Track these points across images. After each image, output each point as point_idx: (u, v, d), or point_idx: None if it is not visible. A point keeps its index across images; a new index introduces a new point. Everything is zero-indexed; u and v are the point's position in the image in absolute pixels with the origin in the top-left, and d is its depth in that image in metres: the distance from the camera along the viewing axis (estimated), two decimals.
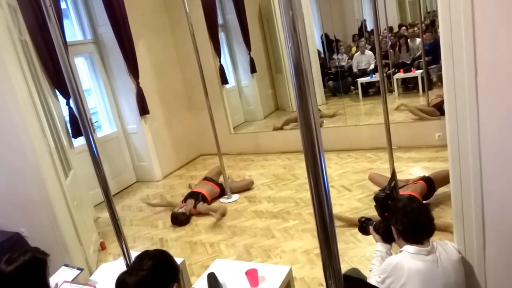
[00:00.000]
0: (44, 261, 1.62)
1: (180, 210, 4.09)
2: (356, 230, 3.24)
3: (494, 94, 1.65)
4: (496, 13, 1.56)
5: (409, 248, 1.80)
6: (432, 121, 4.95)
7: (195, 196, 4.27)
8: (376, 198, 2.23)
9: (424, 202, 3.53)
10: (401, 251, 1.84)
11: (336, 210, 3.66)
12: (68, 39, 4.75)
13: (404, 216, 1.82)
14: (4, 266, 1.49)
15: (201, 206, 4.19)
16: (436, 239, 1.88)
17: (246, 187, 4.67)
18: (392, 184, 2.19)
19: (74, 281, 2.20)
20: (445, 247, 1.84)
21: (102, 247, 3.86)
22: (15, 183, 3.12)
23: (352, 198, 3.92)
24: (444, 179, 3.34)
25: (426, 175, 3.60)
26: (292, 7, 0.71)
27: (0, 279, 1.49)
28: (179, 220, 4.05)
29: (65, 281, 2.17)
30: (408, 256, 1.78)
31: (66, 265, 2.33)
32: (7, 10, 3.04)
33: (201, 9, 5.59)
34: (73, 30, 5.15)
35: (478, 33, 1.59)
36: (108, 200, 1.95)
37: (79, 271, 2.25)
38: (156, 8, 5.78)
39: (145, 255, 1.55)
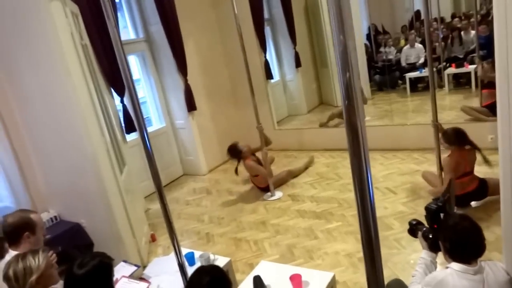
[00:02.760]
0: (110, 266, 1.80)
1: (241, 145, 4.66)
2: (400, 235, 3.25)
3: None
4: None
5: (455, 266, 1.78)
6: (485, 122, 4.73)
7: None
8: (428, 209, 2.18)
9: (472, 204, 3.44)
10: (447, 267, 1.83)
11: (379, 213, 3.63)
12: (122, 37, 4.98)
13: (454, 234, 1.79)
14: (77, 270, 1.68)
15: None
16: (485, 259, 1.86)
17: (285, 179, 4.85)
18: (446, 197, 2.13)
19: (130, 276, 2.39)
20: (493, 267, 1.81)
21: (153, 238, 4.08)
22: (76, 178, 3.39)
23: (397, 201, 3.86)
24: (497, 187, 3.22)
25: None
26: None
27: (73, 282, 1.69)
28: (233, 151, 4.75)
29: (123, 276, 2.36)
30: (454, 274, 1.77)
31: (124, 261, 2.53)
32: (70, 17, 3.25)
33: (248, 5, 5.63)
34: (127, 30, 5.38)
35: None
36: (161, 198, 2.09)
37: (136, 268, 2.44)
38: (203, 5, 5.89)
39: (202, 271, 1.71)
